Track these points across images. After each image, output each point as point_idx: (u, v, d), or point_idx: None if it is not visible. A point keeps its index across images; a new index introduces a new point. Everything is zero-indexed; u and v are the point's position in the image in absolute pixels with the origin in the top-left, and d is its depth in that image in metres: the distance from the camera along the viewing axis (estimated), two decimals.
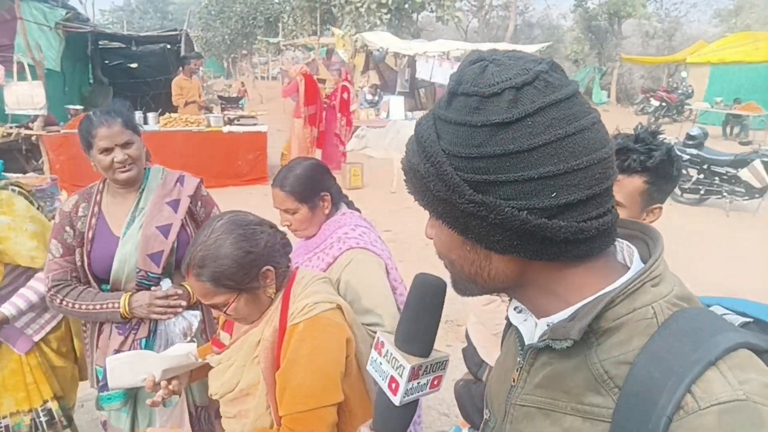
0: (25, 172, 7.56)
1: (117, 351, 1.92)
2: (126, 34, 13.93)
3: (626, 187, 1.52)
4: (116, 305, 1.88)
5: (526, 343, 0.75)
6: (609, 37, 25.81)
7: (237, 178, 8.67)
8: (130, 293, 1.91)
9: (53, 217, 2.16)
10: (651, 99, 17.87)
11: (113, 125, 1.88)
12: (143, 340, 1.95)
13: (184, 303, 1.94)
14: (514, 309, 0.79)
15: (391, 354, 0.81)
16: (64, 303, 1.89)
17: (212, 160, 8.37)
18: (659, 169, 1.50)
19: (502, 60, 0.63)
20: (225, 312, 1.37)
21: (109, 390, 1.85)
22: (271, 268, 1.38)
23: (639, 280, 0.63)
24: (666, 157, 1.50)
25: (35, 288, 2.09)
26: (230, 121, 8.99)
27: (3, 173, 2.18)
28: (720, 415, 0.54)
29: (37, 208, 2.22)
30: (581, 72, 23.88)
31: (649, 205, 1.56)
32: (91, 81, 12.11)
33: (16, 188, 2.10)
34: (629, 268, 0.69)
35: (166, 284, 1.94)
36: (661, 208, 1.58)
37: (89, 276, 1.93)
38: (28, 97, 7.75)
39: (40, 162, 8.02)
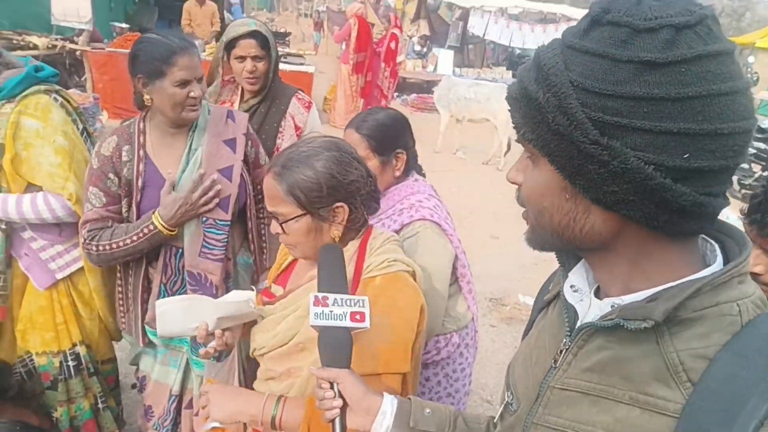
0: (67, 88, 7.43)
1: None
2: None
3: None
4: (152, 225, 1.66)
5: (582, 322, 0.71)
6: None
7: None
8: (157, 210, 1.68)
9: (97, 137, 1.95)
10: None
11: (194, 55, 1.65)
12: None
13: (218, 187, 1.71)
14: (570, 287, 0.75)
15: (335, 299, 1.04)
16: (101, 248, 1.67)
17: None
18: None
19: None
20: (281, 224, 1.24)
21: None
22: (346, 207, 1.24)
23: (728, 274, 0.60)
24: None
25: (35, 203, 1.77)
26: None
27: (52, 82, 1.89)
28: None
29: (83, 131, 1.97)
30: None
31: None
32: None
33: (60, 98, 1.83)
34: (707, 264, 0.65)
35: None
36: None
37: None
38: (74, 9, 7.52)
39: (83, 79, 7.88)
